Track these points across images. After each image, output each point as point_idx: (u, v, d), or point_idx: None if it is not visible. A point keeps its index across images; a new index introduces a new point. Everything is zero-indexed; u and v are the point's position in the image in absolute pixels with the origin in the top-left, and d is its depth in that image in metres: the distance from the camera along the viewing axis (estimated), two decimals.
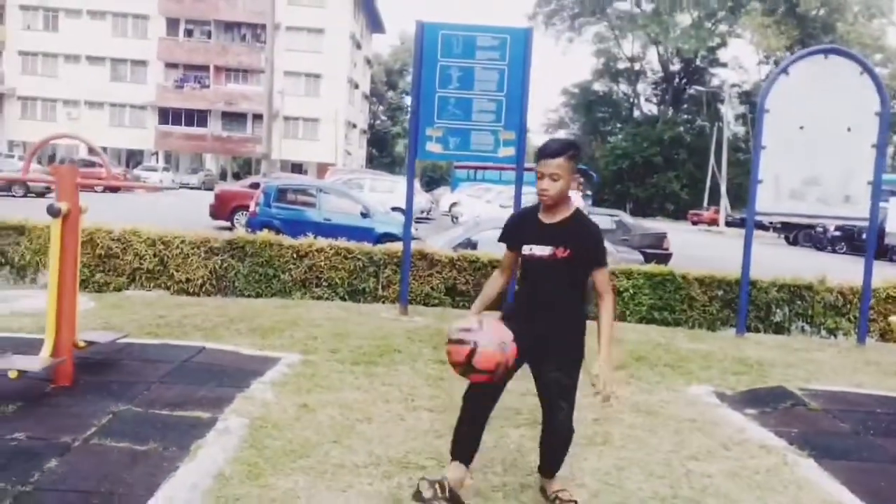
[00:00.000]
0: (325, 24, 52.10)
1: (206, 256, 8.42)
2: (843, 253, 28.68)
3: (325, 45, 52.42)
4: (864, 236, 27.09)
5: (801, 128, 7.55)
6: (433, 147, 7.44)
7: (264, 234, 8.69)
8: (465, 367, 2.97)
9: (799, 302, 8.56)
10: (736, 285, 8.32)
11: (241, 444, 3.71)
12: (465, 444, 3.26)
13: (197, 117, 53.18)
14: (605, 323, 3.18)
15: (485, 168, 35.31)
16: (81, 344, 4.62)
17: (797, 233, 32.81)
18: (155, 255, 8.39)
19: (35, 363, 4.20)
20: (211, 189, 30.78)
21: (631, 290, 8.47)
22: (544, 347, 3.23)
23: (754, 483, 3.71)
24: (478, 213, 19.73)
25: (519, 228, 3.38)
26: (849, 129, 7.52)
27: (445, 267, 8.52)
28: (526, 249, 3.28)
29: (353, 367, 5.40)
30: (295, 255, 8.49)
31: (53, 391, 4.28)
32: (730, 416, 4.88)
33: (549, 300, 3.26)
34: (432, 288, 8.53)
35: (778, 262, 14.87)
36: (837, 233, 29.01)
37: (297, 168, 51.66)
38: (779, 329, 8.55)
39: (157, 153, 52.40)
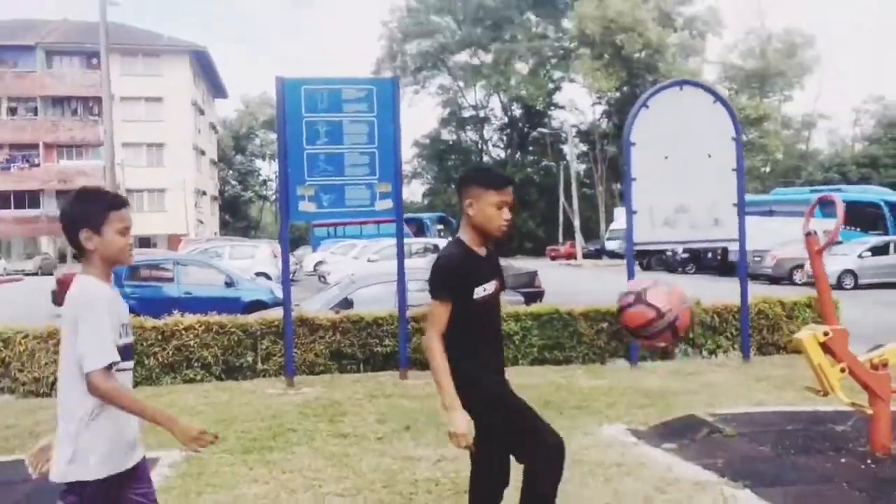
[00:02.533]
0: (164, 93, 50.10)
1: (56, 351, 7.46)
2: (692, 273, 30.50)
3: (166, 114, 50.35)
4: (708, 255, 29.08)
5: (666, 157, 7.77)
6: (307, 206, 7.02)
7: None
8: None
9: None
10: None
11: None
12: None
13: (28, 199, 49.31)
14: None
15: (345, 224, 34.89)
16: None
17: (650, 258, 34.58)
18: None
19: None
20: (50, 274, 28.50)
21: (521, 333, 8.31)
22: None
23: None
24: (348, 270, 19.23)
25: (467, 271, 2.82)
26: (709, 156, 7.83)
27: (328, 331, 8.01)
28: (479, 292, 2.80)
29: (245, 456, 4.85)
30: (160, 337, 7.70)
31: None
32: (651, 453, 4.73)
33: (500, 336, 3.11)
34: (316, 354, 7.98)
35: None
36: (685, 255, 30.85)
37: (146, 242, 48.76)
38: (664, 354, 8.65)
39: None
